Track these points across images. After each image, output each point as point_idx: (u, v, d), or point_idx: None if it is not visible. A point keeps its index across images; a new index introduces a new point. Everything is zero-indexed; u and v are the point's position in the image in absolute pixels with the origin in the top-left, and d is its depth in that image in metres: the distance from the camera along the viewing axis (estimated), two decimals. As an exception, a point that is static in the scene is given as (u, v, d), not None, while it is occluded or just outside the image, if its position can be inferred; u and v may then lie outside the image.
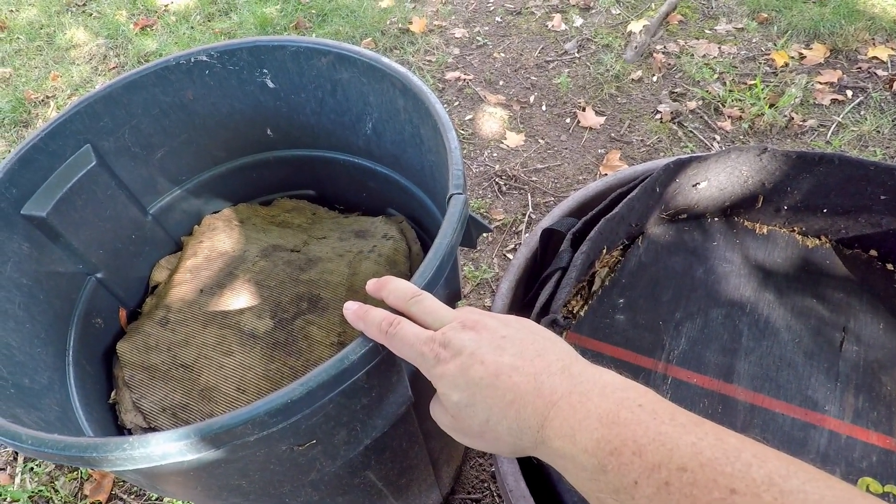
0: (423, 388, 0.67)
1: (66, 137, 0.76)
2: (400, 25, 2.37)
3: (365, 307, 0.45)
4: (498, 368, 0.37)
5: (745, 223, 0.71)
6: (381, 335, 0.43)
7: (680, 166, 0.66)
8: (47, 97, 2.26)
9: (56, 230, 0.74)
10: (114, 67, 2.36)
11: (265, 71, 0.84)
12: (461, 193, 0.53)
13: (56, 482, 1.25)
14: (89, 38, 2.53)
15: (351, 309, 0.45)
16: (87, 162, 0.78)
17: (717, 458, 0.28)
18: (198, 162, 0.93)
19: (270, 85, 0.86)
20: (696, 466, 0.28)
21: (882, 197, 0.62)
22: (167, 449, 0.39)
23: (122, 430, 0.74)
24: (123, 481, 1.25)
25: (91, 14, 2.70)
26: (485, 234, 1.61)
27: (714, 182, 0.68)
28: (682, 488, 0.28)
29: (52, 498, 1.22)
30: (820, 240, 0.68)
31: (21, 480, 1.26)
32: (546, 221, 0.68)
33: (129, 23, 2.59)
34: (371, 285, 0.47)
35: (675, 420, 0.31)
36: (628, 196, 0.63)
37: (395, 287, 0.45)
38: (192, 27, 2.51)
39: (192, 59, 0.81)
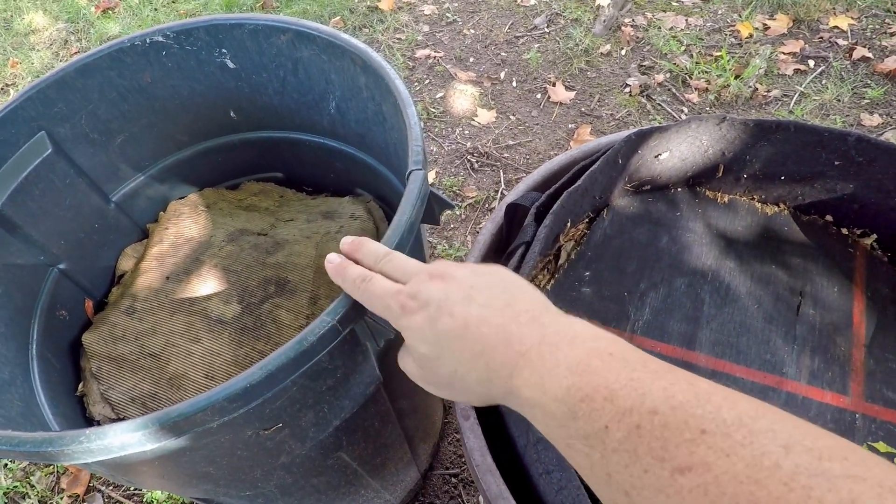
0: (392, 368, 0.67)
1: (18, 125, 0.74)
2: (368, 3, 2.33)
3: (345, 262, 0.46)
4: (466, 320, 0.37)
5: (708, 193, 0.72)
6: (355, 289, 0.44)
7: (641, 137, 0.66)
8: (6, 85, 2.19)
9: (12, 221, 0.72)
10: (76, 52, 2.29)
11: (224, 51, 0.82)
12: (420, 169, 0.52)
13: (31, 477, 1.24)
14: (49, 23, 2.45)
15: (333, 262, 0.46)
16: (43, 150, 0.76)
17: (689, 402, 0.28)
18: (160, 147, 0.92)
19: (230, 65, 0.84)
20: (667, 409, 0.28)
21: (836, 163, 0.63)
22: (126, 439, 0.39)
23: (91, 422, 0.73)
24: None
25: (47, -3, 2.60)
26: (457, 212, 1.61)
27: (676, 153, 0.69)
28: (652, 431, 0.28)
29: (28, 493, 1.21)
30: (779, 207, 0.70)
31: (-5, 476, 1.24)
32: (511, 196, 0.68)
33: (91, 6, 2.51)
34: (346, 245, 0.48)
35: (647, 367, 0.31)
36: (591, 168, 0.64)
37: (367, 248, 0.46)
38: (155, 9, 2.44)
39: (148, 41, 0.79)
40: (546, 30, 2.14)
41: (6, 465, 1.25)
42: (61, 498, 1.20)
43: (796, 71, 1.86)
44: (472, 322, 0.37)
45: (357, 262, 0.46)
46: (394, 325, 0.42)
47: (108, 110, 0.82)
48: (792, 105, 1.76)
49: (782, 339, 0.58)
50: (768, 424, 0.27)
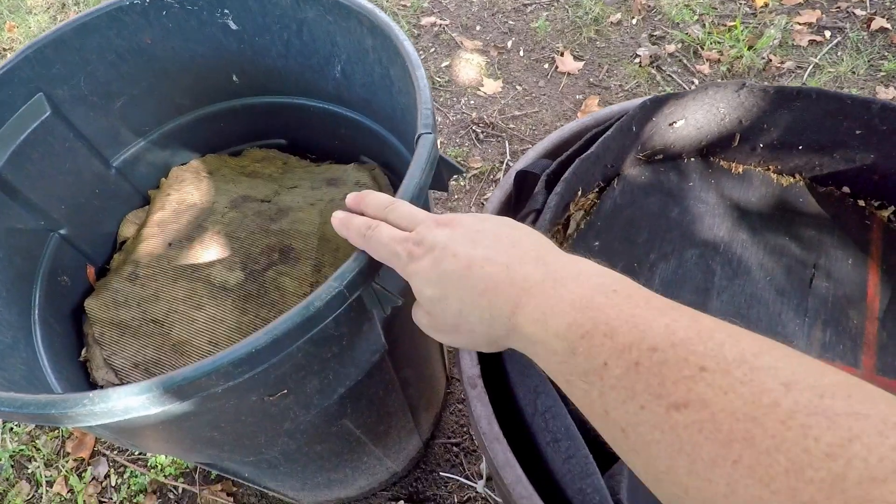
0: (397, 336, 0.66)
1: (14, 86, 0.72)
2: (372, -32, 2.28)
3: (349, 214, 0.46)
4: (470, 260, 0.37)
5: (722, 163, 0.70)
6: (361, 239, 0.44)
7: (657, 104, 0.64)
8: (3, 49, 2.16)
9: (12, 185, 0.71)
10: (74, 16, 2.25)
11: (226, 11, 0.80)
12: (430, 133, 0.51)
13: (37, 441, 1.25)
14: (44, -15, 2.40)
15: (338, 217, 0.46)
16: (41, 112, 0.74)
17: (690, 338, 0.28)
18: (161, 111, 0.90)
19: (233, 26, 0.82)
20: (667, 346, 0.28)
21: (857, 132, 0.61)
22: (129, 403, 0.38)
23: (94, 387, 0.73)
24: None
25: (44, -41, 2.55)
26: (463, 182, 1.59)
27: (691, 121, 0.67)
28: (651, 367, 0.28)
29: (33, 456, 1.22)
30: (794, 178, 0.68)
31: (1, 440, 1.25)
32: (520, 163, 0.67)
33: (86, -32, 2.45)
34: (350, 199, 0.48)
35: (650, 304, 0.31)
36: (604, 136, 0.62)
37: (372, 198, 0.46)
38: (152, -28, 2.39)
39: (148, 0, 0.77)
40: (555, -3, 2.09)
41: (12, 428, 1.26)
42: (66, 461, 1.21)
43: (811, 42, 1.82)
44: (475, 261, 0.37)
45: (362, 215, 0.46)
46: (401, 273, 0.42)
47: (107, 72, 0.80)
48: (805, 77, 1.73)
49: (794, 311, 0.57)
50: (771, 362, 0.26)
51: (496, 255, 0.37)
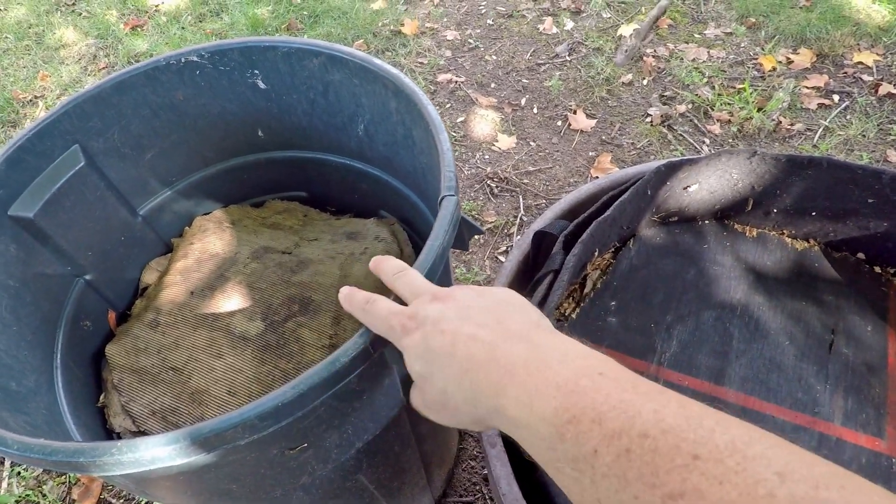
0: (414, 391, 0.67)
1: (54, 138, 0.75)
2: (392, 27, 2.37)
3: (353, 290, 0.48)
4: (455, 337, 0.37)
5: (736, 226, 0.72)
6: (361, 313, 0.45)
7: (671, 169, 0.66)
8: (36, 97, 2.24)
9: (44, 231, 0.73)
10: (104, 67, 2.35)
11: (256, 72, 0.84)
12: (453, 195, 0.53)
13: (44, 486, 1.23)
14: (79, 38, 2.51)
15: (343, 292, 0.48)
16: (76, 162, 0.77)
17: (680, 426, 0.28)
18: (188, 163, 0.93)
19: (261, 86, 0.86)
20: (658, 433, 0.28)
21: (869, 200, 0.62)
22: (156, 453, 0.39)
23: (110, 433, 0.73)
24: (112, 485, 1.24)
25: (81, 14, 2.67)
26: (476, 236, 1.61)
27: (705, 185, 0.69)
28: (643, 455, 0.27)
29: (39, 502, 1.21)
30: (809, 243, 0.69)
31: (8, 485, 1.24)
32: (538, 224, 0.68)
33: (120, 23, 2.57)
34: (371, 263, 0.51)
35: (637, 388, 0.31)
36: (620, 198, 0.64)
37: (386, 264, 0.48)
38: (182, 28, 2.50)
39: (183, 60, 0.81)
40: (568, 58, 2.16)
41: (19, 472, 1.25)
42: (71, 509, 1.20)
43: (820, 105, 1.86)
44: (460, 339, 0.36)
45: (378, 276, 0.49)
46: (397, 346, 0.42)
47: (141, 126, 0.84)
48: (816, 139, 1.76)
49: (814, 377, 0.57)
50: (762, 450, 0.26)
51: (482, 333, 0.36)
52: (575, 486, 0.30)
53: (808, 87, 1.91)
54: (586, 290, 0.67)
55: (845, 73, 1.96)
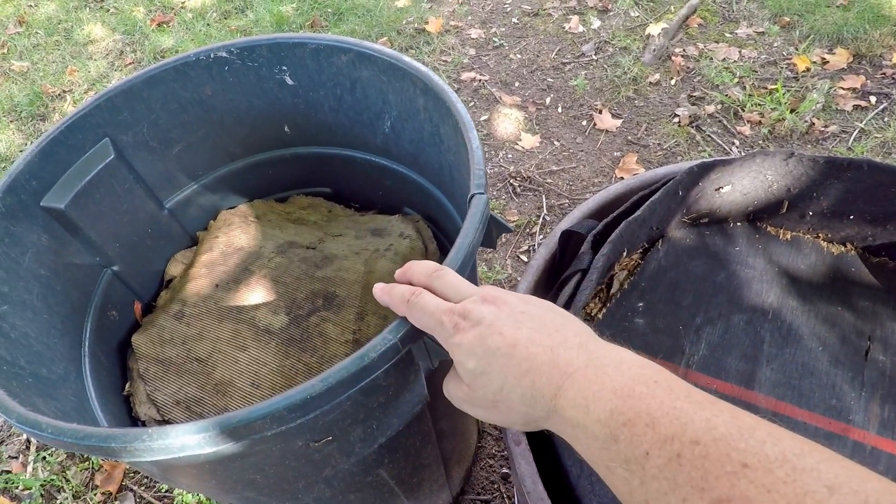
0: (438, 388, 0.66)
1: (85, 131, 0.76)
2: (416, 25, 2.37)
3: (391, 284, 0.47)
4: (515, 339, 0.38)
5: (769, 228, 0.70)
6: (403, 305, 0.44)
7: (704, 170, 0.65)
8: (64, 91, 2.28)
9: (74, 222, 0.74)
10: (130, 63, 2.38)
11: (284, 68, 0.84)
12: (483, 193, 0.52)
13: (67, 472, 1.26)
14: (106, 34, 2.55)
15: (379, 287, 0.48)
16: (106, 155, 0.78)
17: (731, 434, 0.28)
18: (215, 157, 0.94)
19: (289, 82, 0.86)
20: (709, 441, 0.28)
21: (910, 204, 0.61)
22: (185, 441, 0.39)
23: (135, 421, 0.74)
24: (134, 472, 1.26)
25: (108, 10, 2.72)
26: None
27: (738, 186, 0.67)
28: (693, 461, 0.28)
29: (63, 487, 1.23)
30: (845, 247, 0.67)
31: (33, 469, 1.27)
32: (565, 223, 0.67)
33: (146, 19, 2.61)
34: (398, 273, 0.49)
35: (691, 397, 0.32)
36: (651, 199, 0.63)
37: (418, 266, 0.48)
38: (208, 24, 2.52)
39: (212, 55, 0.81)
40: (594, 57, 2.14)
41: (44, 457, 1.28)
42: (94, 494, 1.22)
43: (856, 107, 1.82)
44: (521, 341, 0.38)
45: (409, 283, 0.47)
46: (442, 343, 0.42)
47: (169, 120, 0.85)
48: (851, 142, 1.72)
49: (849, 384, 0.56)
50: (813, 463, 0.26)
51: (541, 338, 0.38)
52: (624, 486, 0.31)
53: (843, 89, 1.87)
54: (613, 291, 0.66)
55: (883, 73, 1.92)
